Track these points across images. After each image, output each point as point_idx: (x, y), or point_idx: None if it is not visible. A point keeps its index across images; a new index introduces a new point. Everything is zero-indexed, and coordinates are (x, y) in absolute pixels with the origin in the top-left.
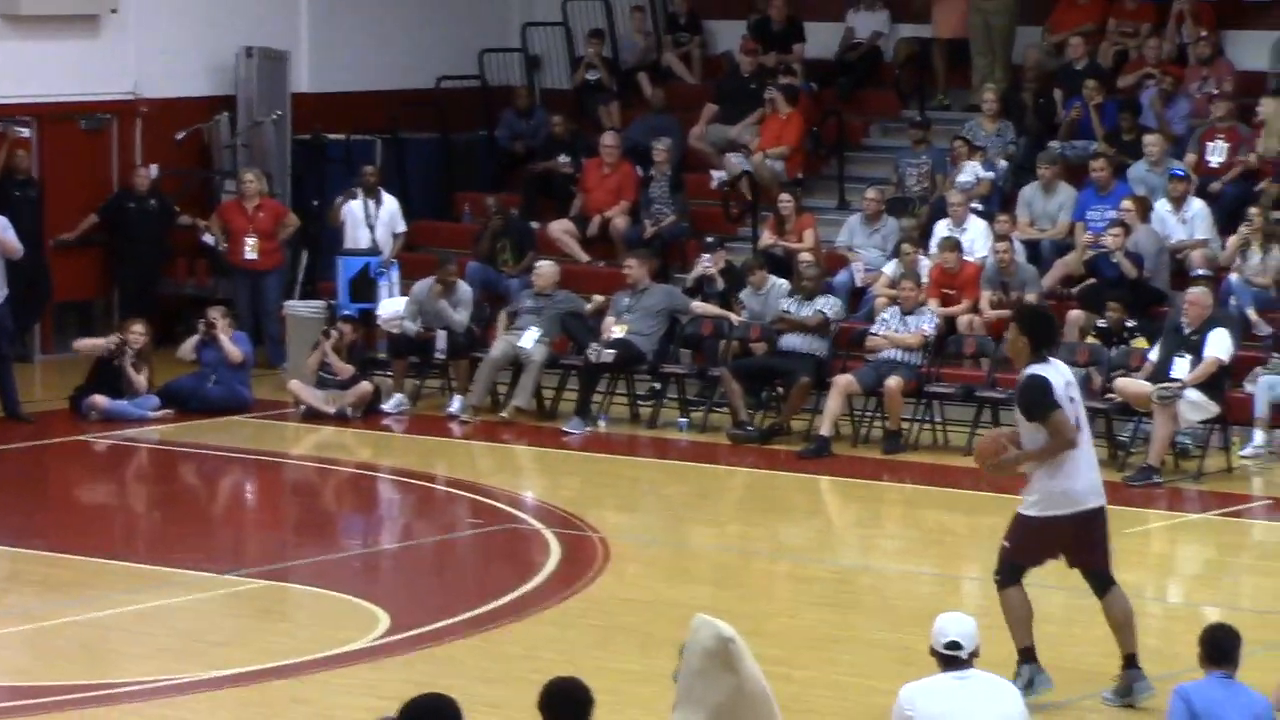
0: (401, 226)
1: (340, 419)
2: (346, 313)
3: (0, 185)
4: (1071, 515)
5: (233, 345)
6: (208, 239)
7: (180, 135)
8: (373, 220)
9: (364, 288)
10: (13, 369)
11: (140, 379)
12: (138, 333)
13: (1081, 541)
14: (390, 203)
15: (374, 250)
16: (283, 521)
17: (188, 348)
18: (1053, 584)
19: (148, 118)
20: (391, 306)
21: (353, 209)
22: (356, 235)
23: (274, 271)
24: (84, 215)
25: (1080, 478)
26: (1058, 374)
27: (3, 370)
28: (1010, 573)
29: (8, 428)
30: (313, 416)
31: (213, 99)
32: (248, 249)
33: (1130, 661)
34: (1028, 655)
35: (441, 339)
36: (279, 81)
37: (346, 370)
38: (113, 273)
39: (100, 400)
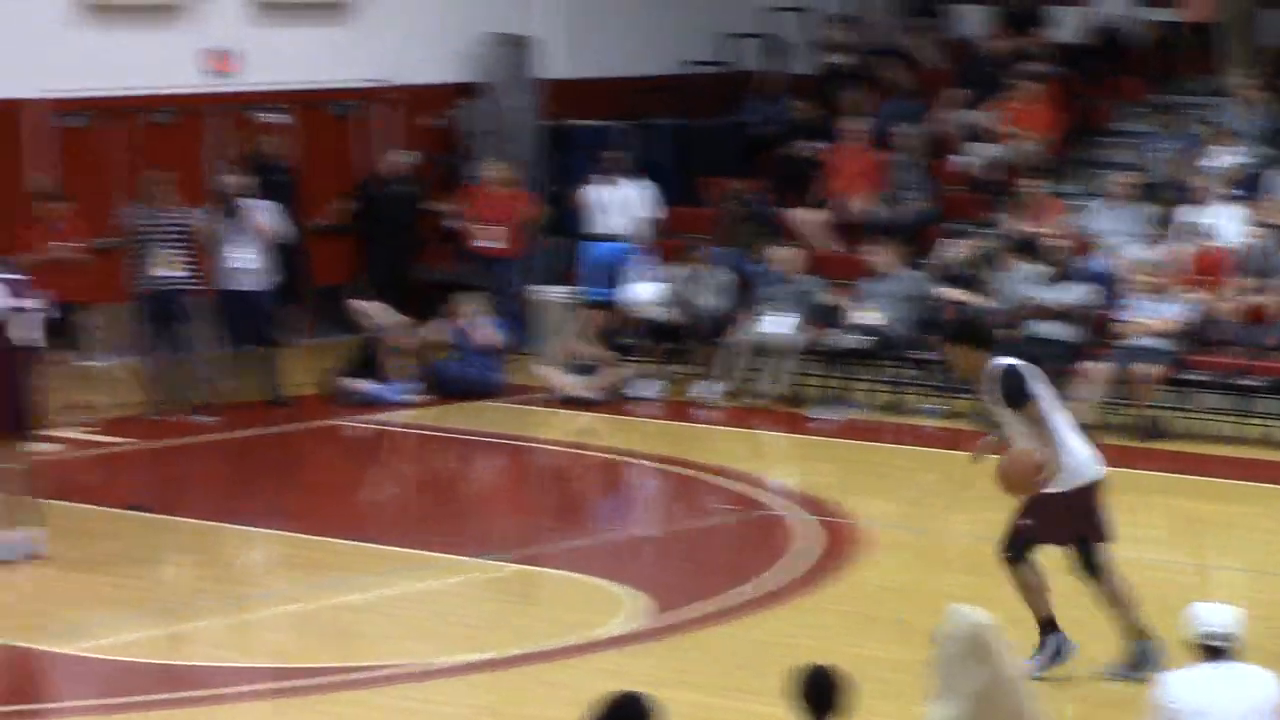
0: (651, 211)
1: (590, 404)
2: (595, 298)
3: (255, 171)
4: (1087, 485)
5: (489, 330)
6: (453, 224)
7: (427, 121)
8: (619, 205)
9: (612, 273)
10: (277, 355)
11: (397, 363)
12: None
13: (1086, 511)
14: (638, 188)
15: (621, 236)
16: (535, 506)
17: (434, 329)
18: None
19: (396, 104)
20: (640, 291)
21: (599, 194)
22: (603, 220)
23: (519, 257)
24: (336, 201)
25: (1079, 450)
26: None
27: (268, 356)
28: (1022, 548)
29: (267, 411)
30: (563, 401)
31: (459, 85)
32: (492, 235)
33: (1131, 634)
34: (1050, 625)
35: (690, 324)
36: (524, 68)
37: (596, 355)
38: (365, 258)
39: (357, 383)
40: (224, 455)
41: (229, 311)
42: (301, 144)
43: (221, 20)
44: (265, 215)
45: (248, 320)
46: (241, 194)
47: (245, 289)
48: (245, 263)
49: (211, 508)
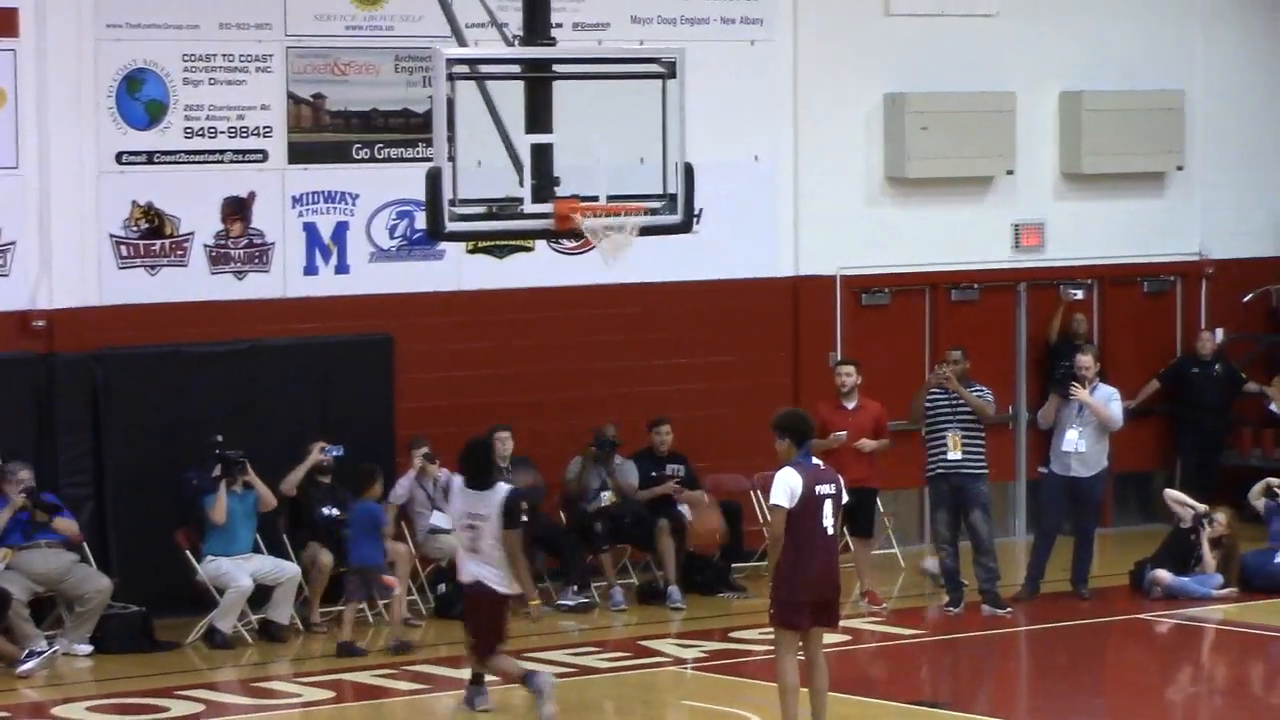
0: None
1: None
2: None
3: (1057, 350)
4: None
5: None
6: (1275, 408)
7: (1247, 297)
8: None
9: None
10: (1093, 543)
11: (1211, 555)
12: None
13: None
14: None
15: None
16: None
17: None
18: None
19: (1213, 279)
20: None
21: None
22: None
23: None
24: (1144, 381)
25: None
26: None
27: (1084, 546)
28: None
29: (1068, 603)
30: None
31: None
32: None
33: None
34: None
35: None
36: None
37: None
38: (1174, 442)
39: (1163, 575)
40: (1020, 649)
41: (1049, 497)
42: (1110, 321)
43: (1029, 193)
44: (1104, 397)
45: (1070, 507)
46: (1089, 372)
47: (1074, 474)
48: (1078, 446)
49: (1006, 704)
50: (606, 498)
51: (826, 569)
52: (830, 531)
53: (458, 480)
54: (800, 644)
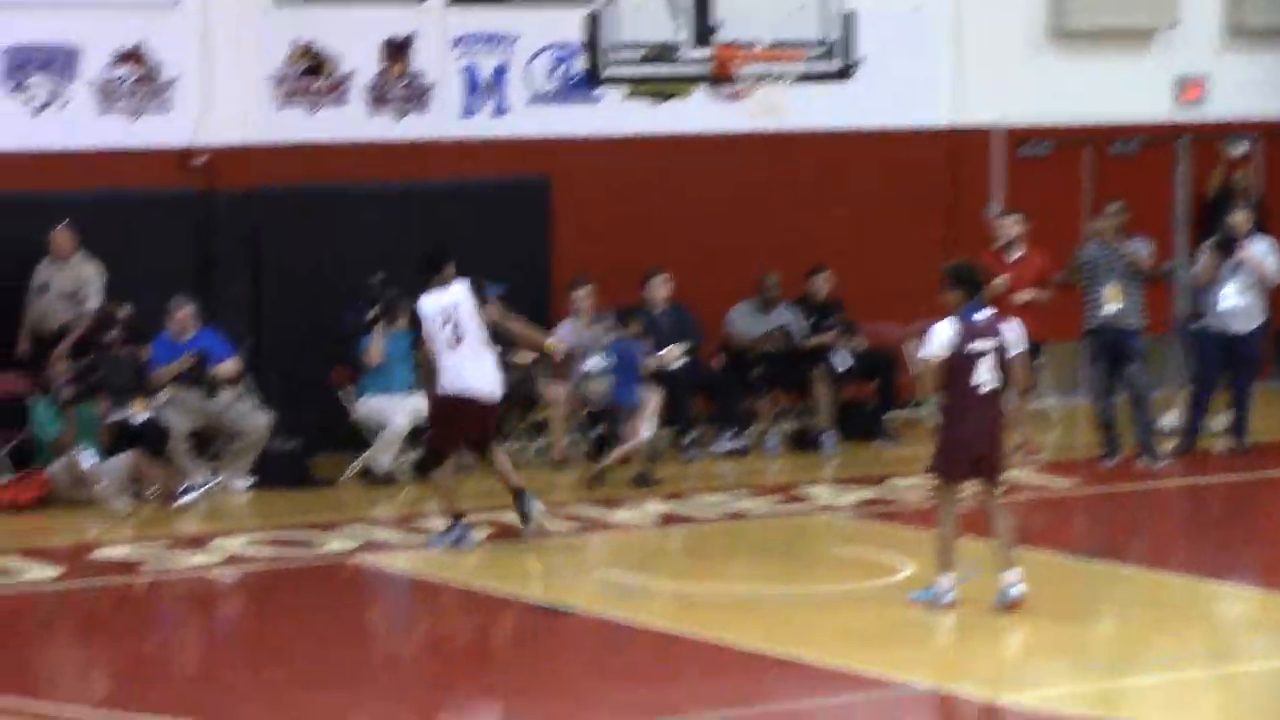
0: None
1: None
2: None
3: (1216, 206)
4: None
5: None
6: None
7: None
8: None
9: None
10: (1250, 398)
11: None
12: None
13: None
14: None
15: None
16: None
17: None
18: None
19: None
20: None
21: None
22: None
23: None
24: None
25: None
26: None
27: (1242, 401)
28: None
29: (1224, 459)
30: None
31: None
32: None
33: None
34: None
35: None
36: None
37: None
38: None
39: None
40: (1175, 502)
41: (1206, 352)
42: (1271, 176)
43: (1192, 47)
44: (1262, 252)
45: (1227, 362)
46: (1241, 231)
47: (1234, 331)
48: (1237, 302)
49: (1161, 556)
50: (764, 344)
51: (980, 425)
52: (985, 388)
53: (424, 299)
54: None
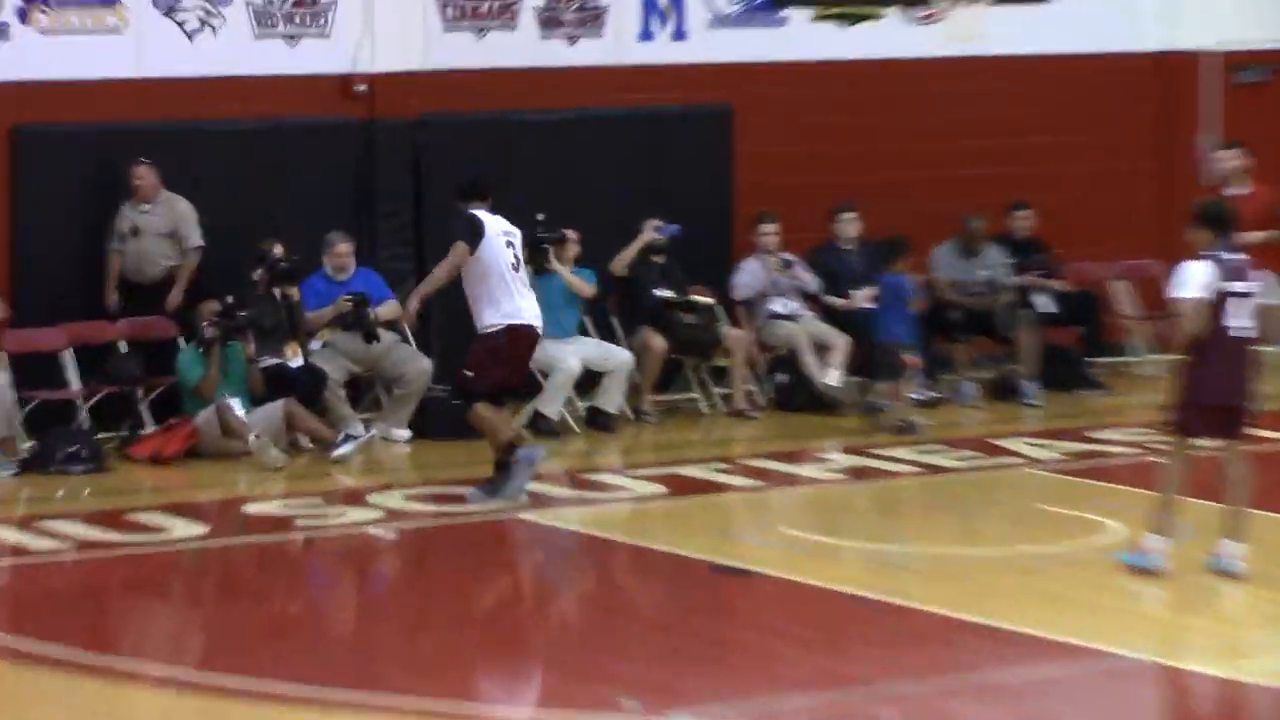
0: None
1: None
2: None
3: None
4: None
5: None
6: None
7: None
8: None
9: None
10: None
11: None
12: None
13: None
14: None
15: None
16: None
17: None
18: None
19: None
20: None
21: None
22: None
23: None
24: None
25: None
26: None
27: None
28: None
29: None
30: None
31: None
32: None
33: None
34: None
35: None
36: None
37: None
38: None
39: None
40: None
41: None
42: None
43: None
44: None
45: None
46: None
47: None
48: None
49: None
50: (969, 297)
51: (1233, 375)
52: (1240, 334)
53: (484, 216)
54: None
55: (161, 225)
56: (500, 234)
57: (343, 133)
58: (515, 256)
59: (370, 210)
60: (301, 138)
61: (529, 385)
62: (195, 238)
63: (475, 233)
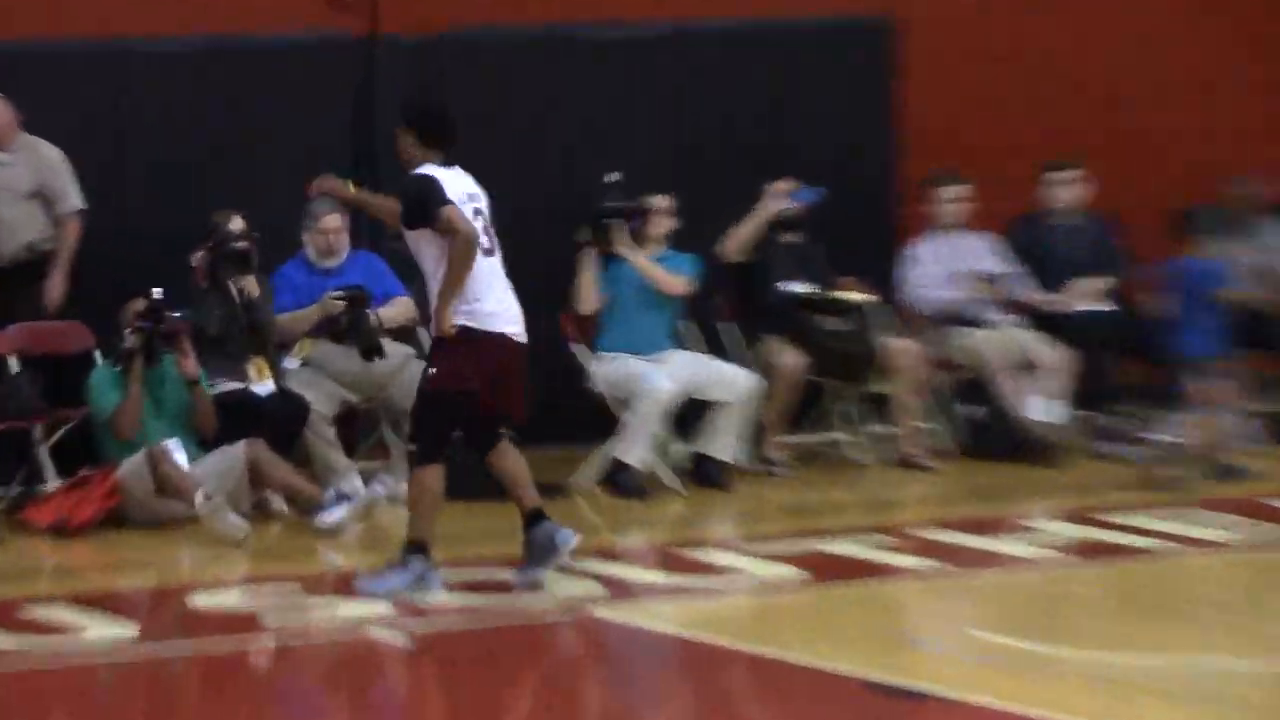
0: None
1: None
2: None
3: None
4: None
5: None
6: None
7: None
8: None
9: None
10: None
11: None
12: None
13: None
14: None
15: None
16: None
17: None
18: None
19: None
20: None
21: None
22: None
23: None
24: None
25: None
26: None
27: None
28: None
29: None
30: None
31: None
32: None
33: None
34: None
35: None
36: None
37: None
38: None
39: None
40: None
41: None
42: None
43: None
44: None
45: None
46: None
47: None
48: None
49: None
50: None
51: None
52: None
53: (441, 172)
54: None
55: (21, 181)
56: (465, 199)
57: (333, 54)
58: (487, 232)
59: (371, 165)
60: (274, 62)
61: (543, 422)
62: (72, 198)
63: (439, 200)
